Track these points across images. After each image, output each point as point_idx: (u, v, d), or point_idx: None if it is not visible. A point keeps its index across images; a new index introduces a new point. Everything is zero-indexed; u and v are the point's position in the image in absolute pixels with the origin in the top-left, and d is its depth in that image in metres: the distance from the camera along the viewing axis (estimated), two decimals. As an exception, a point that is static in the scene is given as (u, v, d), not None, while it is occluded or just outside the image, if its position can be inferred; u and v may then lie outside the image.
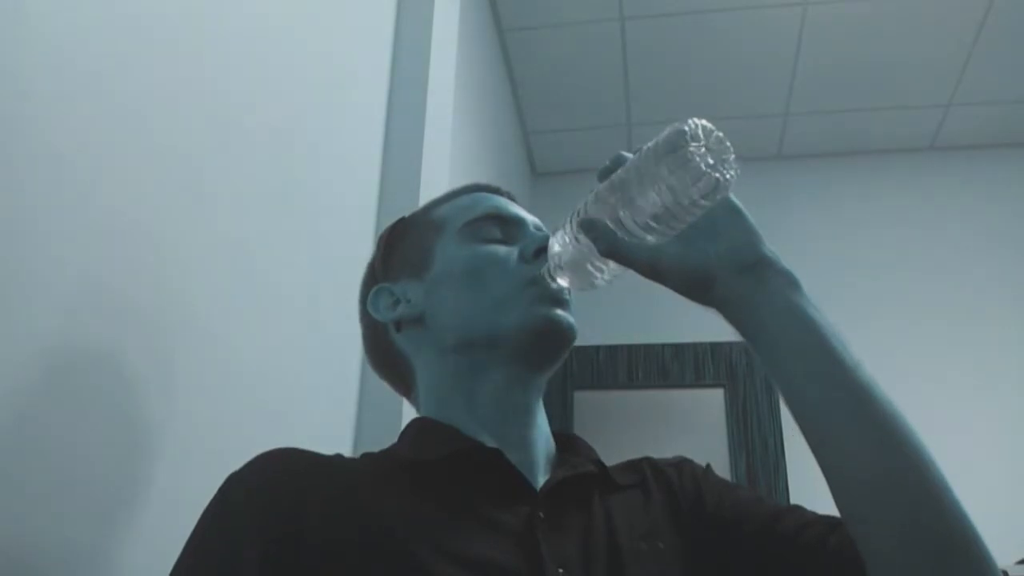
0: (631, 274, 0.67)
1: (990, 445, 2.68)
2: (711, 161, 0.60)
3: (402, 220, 0.87)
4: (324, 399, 1.23)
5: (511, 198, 0.85)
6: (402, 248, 0.83)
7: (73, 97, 0.72)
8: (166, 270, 0.85)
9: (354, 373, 1.32)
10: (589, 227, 0.65)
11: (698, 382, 2.92)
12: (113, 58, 0.78)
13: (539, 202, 3.27)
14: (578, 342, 0.77)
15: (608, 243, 0.64)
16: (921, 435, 0.58)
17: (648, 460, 0.79)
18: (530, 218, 0.82)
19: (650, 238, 0.64)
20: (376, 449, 0.77)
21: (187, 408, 0.87)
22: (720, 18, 2.66)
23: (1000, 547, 0.63)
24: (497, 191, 0.86)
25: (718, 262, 0.63)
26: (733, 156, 0.61)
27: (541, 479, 0.72)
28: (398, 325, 0.80)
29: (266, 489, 0.63)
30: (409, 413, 0.84)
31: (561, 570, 0.62)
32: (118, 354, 0.77)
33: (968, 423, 2.71)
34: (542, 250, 0.74)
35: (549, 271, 0.71)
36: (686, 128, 0.60)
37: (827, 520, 0.67)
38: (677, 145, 0.60)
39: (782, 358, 0.62)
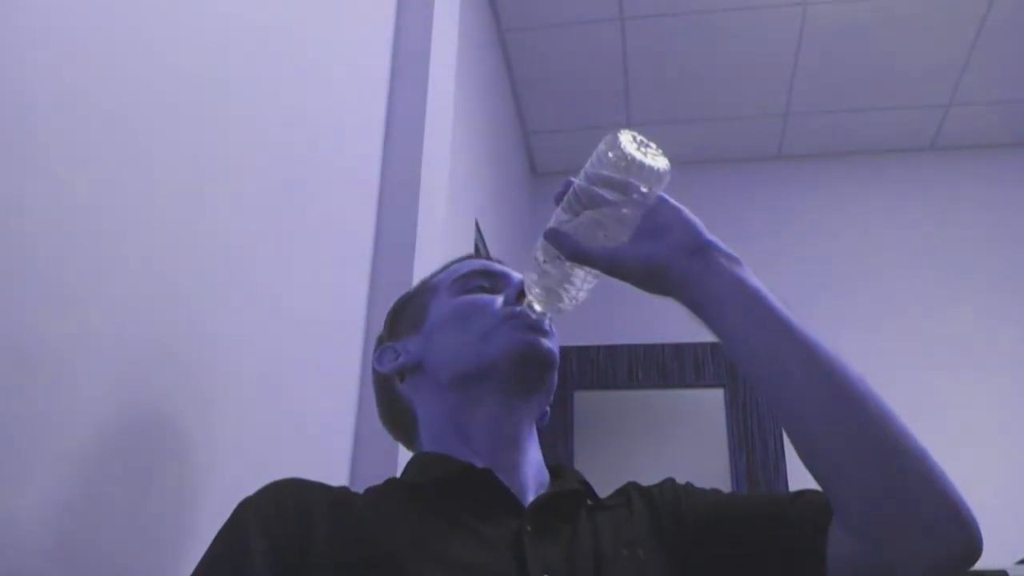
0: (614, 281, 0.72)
1: (990, 445, 2.68)
2: (647, 156, 0.72)
3: (403, 295, 0.97)
4: (323, 415, 1.23)
5: (500, 263, 0.94)
6: (403, 314, 0.93)
7: (76, 101, 0.72)
8: (164, 278, 0.85)
9: (353, 382, 1.32)
10: (553, 236, 0.74)
11: (698, 382, 2.93)
12: (113, 62, 0.78)
13: (539, 202, 3.28)
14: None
15: (571, 247, 0.73)
16: (914, 431, 0.64)
17: (634, 484, 0.84)
18: (515, 274, 0.89)
19: (609, 236, 0.73)
20: (372, 478, 0.84)
21: (193, 428, 0.87)
22: (720, 18, 2.66)
23: (1000, 547, 0.63)
24: (487, 258, 0.94)
25: (670, 252, 0.72)
26: (660, 151, 0.74)
27: (531, 499, 0.77)
28: (401, 376, 0.87)
29: (276, 512, 0.69)
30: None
31: (546, 575, 0.67)
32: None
33: (968, 422, 2.71)
34: (524, 295, 0.81)
35: (529, 304, 0.80)
36: (619, 136, 0.72)
37: (793, 492, 0.73)
38: (619, 152, 0.72)
39: (734, 321, 0.69)
